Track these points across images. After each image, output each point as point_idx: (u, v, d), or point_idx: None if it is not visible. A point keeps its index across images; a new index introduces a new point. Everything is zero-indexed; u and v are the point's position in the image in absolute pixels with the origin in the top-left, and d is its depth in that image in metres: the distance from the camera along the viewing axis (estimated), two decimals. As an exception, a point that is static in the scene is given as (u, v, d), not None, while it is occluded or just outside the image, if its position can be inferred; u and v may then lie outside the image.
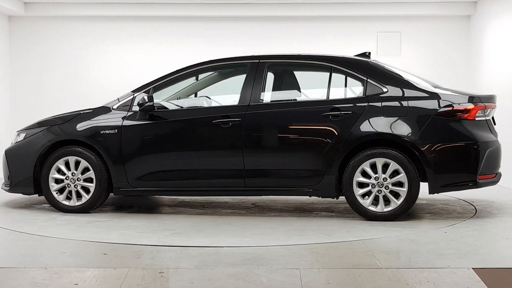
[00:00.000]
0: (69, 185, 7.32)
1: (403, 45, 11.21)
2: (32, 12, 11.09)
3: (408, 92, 6.79)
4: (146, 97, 7.09)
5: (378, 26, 11.23)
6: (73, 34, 11.37)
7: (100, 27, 11.35)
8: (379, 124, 6.71)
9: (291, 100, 7.19)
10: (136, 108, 7.23)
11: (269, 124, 6.97)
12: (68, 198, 7.37)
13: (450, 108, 6.67)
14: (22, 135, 7.67)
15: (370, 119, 6.74)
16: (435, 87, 6.99)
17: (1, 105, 11.02)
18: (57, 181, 7.36)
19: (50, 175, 7.35)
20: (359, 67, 7.03)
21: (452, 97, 6.75)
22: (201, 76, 7.68)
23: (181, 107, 7.49)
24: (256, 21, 11.27)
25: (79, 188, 7.30)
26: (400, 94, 6.80)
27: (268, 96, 7.17)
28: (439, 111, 6.66)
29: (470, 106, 6.68)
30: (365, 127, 6.72)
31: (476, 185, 6.71)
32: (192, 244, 5.76)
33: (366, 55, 7.38)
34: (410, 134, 6.64)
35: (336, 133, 6.76)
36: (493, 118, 7.18)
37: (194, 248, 5.60)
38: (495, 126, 7.18)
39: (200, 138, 7.09)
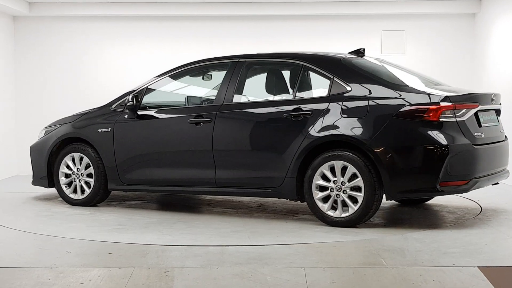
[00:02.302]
0: (75, 180, 7.82)
1: (407, 43, 11.19)
2: (36, 12, 11.10)
3: (374, 91, 6.36)
4: (130, 97, 7.40)
5: (383, 25, 11.21)
6: (77, 34, 11.37)
7: (104, 26, 11.36)
8: (337, 125, 6.35)
9: (260, 100, 7.14)
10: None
11: (236, 124, 6.94)
12: (75, 191, 7.84)
13: (411, 108, 6.15)
14: (43, 132, 8.31)
15: (330, 120, 6.39)
16: (435, 86, 6.77)
17: (6, 103, 11.03)
18: (67, 175, 7.87)
19: (60, 170, 7.89)
20: (328, 65, 6.71)
21: (416, 97, 6.22)
22: (191, 76, 7.78)
23: (168, 106, 7.59)
24: (259, 20, 11.25)
25: (82, 182, 7.77)
26: (363, 93, 6.38)
27: (240, 96, 7.10)
28: (399, 111, 6.17)
29: (433, 106, 6.10)
30: (324, 128, 6.39)
31: (436, 192, 6.15)
32: (197, 243, 5.76)
33: (361, 52, 7.13)
34: (367, 136, 6.21)
35: (296, 134, 6.50)
36: (498, 111, 6.92)
37: (199, 247, 5.61)
38: (497, 124, 6.83)
39: (176, 137, 7.24)
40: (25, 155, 11.24)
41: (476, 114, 6.40)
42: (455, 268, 4.82)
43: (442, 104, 6.12)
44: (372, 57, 7.33)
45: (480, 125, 6.43)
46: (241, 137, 6.88)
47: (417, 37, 11.23)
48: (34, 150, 8.28)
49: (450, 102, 6.17)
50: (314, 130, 6.43)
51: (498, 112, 7.00)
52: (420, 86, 6.59)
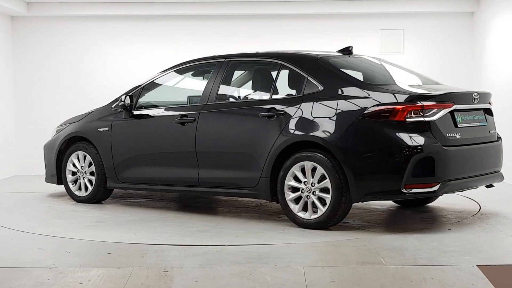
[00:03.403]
0: (79, 177, 8.05)
1: (406, 42, 11.19)
2: (34, 12, 11.09)
3: (345, 91, 6.22)
4: (123, 97, 7.54)
5: (381, 23, 11.21)
6: (75, 34, 11.36)
7: (102, 26, 11.35)
8: (307, 125, 6.26)
9: (240, 99, 7.13)
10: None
11: (216, 124, 6.94)
12: (80, 189, 8.06)
13: (377, 109, 5.98)
14: (55, 131, 8.55)
15: (300, 120, 6.30)
16: (426, 85, 6.64)
17: (5, 103, 11.02)
18: (73, 173, 8.11)
19: (67, 168, 8.13)
20: (304, 64, 6.62)
21: (384, 96, 6.04)
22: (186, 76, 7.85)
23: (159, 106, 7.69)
24: (257, 20, 11.25)
25: (86, 180, 7.97)
26: (334, 93, 6.25)
27: (222, 96, 7.09)
28: (366, 111, 6.01)
29: (398, 106, 5.91)
30: (294, 128, 6.31)
31: (402, 195, 5.91)
32: (196, 243, 5.76)
33: (349, 50, 6.99)
34: (334, 137, 6.08)
35: (270, 135, 6.45)
36: (488, 111, 6.67)
37: (198, 247, 5.61)
38: (484, 124, 6.53)
39: (164, 137, 7.34)
40: (24, 155, 11.30)
41: (452, 114, 6.17)
42: (454, 267, 4.82)
43: (409, 104, 5.93)
44: (367, 56, 7.28)
45: (456, 126, 6.18)
46: (221, 137, 6.89)
47: (416, 36, 11.23)
48: (46, 148, 8.55)
49: (418, 102, 5.96)
50: (285, 131, 6.36)
51: (488, 111, 6.74)
52: (401, 86, 6.40)
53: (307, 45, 10.44)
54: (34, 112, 11.36)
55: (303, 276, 4.65)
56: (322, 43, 10.81)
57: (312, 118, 6.26)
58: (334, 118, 6.15)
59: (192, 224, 6.65)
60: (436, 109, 6.02)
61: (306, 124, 6.27)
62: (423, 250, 5.37)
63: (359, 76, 6.57)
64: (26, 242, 5.90)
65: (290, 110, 6.41)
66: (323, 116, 6.21)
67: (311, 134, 6.21)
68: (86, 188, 7.95)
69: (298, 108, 6.37)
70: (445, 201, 7.57)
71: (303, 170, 6.26)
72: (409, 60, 11.05)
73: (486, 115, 6.69)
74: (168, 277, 4.67)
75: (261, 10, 11.09)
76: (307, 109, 6.32)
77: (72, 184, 8.10)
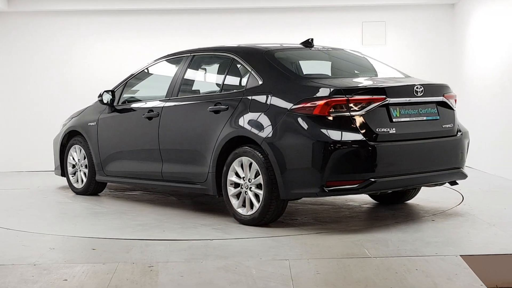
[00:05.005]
0: (77, 170, 8.34)
1: (388, 34, 11.23)
2: (15, 7, 10.99)
3: (280, 85, 6.11)
4: (101, 92, 7.77)
5: (363, 16, 11.23)
6: (57, 29, 11.28)
7: (85, 21, 11.28)
8: (243, 121, 6.17)
9: (195, 94, 7.10)
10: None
11: (174, 119, 6.99)
12: (78, 181, 8.38)
13: (303, 104, 5.80)
14: (62, 125, 8.85)
15: (240, 115, 6.23)
16: (385, 80, 6.44)
17: (-14, 101, 10.96)
18: (73, 166, 8.41)
19: (67, 161, 8.45)
20: (250, 58, 6.53)
21: (310, 90, 5.88)
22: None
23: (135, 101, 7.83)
24: (240, 13, 11.24)
25: (81, 173, 8.27)
26: (270, 87, 6.14)
27: (181, 91, 7.09)
28: (292, 106, 5.86)
29: (321, 101, 5.70)
30: (234, 123, 6.25)
31: (324, 192, 5.68)
32: (181, 237, 5.76)
33: (309, 42, 6.85)
34: (264, 132, 5.95)
35: (215, 130, 6.41)
36: (443, 104, 6.27)
37: (183, 241, 5.61)
38: (435, 118, 6.16)
39: (135, 131, 7.48)
40: (7, 152, 11.21)
41: (387, 108, 5.86)
42: (438, 257, 4.86)
43: (333, 98, 5.70)
44: (331, 48, 7.12)
45: (391, 120, 5.87)
46: (177, 132, 6.94)
47: (398, 28, 11.28)
48: (54, 142, 8.90)
49: (344, 95, 5.71)
50: (227, 126, 6.31)
51: (443, 104, 6.30)
52: (340, 80, 6.23)
53: (289, 38, 10.43)
54: (16, 108, 11.28)
55: (288, 269, 4.67)
56: (304, 35, 10.81)
57: (250, 113, 6.17)
58: (267, 113, 6.02)
59: (147, 216, 6.71)
60: (364, 103, 5.75)
61: (243, 119, 6.20)
62: (407, 241, 5.41)
63: (306, 69, 6.52)
64: (9, 239, 5.86)
65: (232, 104, 6.36)
66: (258, 111, 6.11)
67: (246, 129, 6.13)
68: (82, 181, 8.24)
69: (239, 102, 6.31)
70: (429, 193, 7.61)
71: (242, 166, 6.18)
72: (391, 52, 11.11)
73: (440, 108, 6.28)
74: (154, 272, 4.66)
75: (243, 4, 11.09)
76: (246, 104, 6.24)
77: (72, 176, 8.43)
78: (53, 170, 8.95)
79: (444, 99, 6.32)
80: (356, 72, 6.91)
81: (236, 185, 6.26)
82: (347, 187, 5.72)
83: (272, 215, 6.03)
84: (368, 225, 6.09)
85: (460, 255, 4.87)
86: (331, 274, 4.56)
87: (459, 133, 6.44)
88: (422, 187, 7.02)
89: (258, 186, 6.03)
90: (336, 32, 11.15)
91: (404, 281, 4.39)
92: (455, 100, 6.54)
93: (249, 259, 4.95)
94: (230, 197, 6.29)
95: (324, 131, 5.67)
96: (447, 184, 6.69)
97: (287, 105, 5.91)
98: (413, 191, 7.07)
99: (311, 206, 7.12)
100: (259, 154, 5.97)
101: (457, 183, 6.58)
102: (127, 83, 7.86)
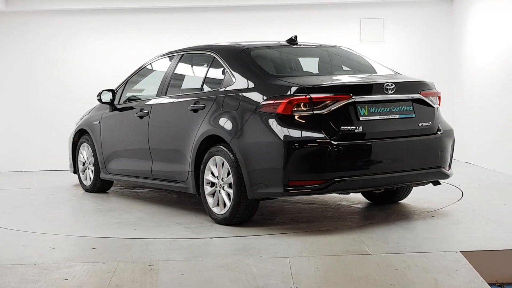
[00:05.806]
0: (87, 168, 8.49)
1: (386, 31, 11.23)
2: (13, 7, 10.98)
3: (250, 84, 6.03)
4: (101, 91, 7.89)
5: (361, 13, 11.23)
6: (56, 28, 11.28)
7: (82, 20, 11.27)
8: (215, 120, 6.15)
9: (179, 93, 7.07)
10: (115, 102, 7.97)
11: (160, 118, 7.04)
12: (86, 178, 8.56)
13: (267, 102, 5.76)
14: (75, 124, 8.92)
15: (214, 113, 6.20)
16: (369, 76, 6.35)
17: (-15, 101, 10.96)
18: (83, 164, 8.56)
19: (78, 159, 8.64)
20: (228, 56, 6.48)
21: (275, 88, 5.82)
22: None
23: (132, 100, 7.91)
24: (239, 11, 11.23)
25: (89, 171, 8.43)
26: (242, 86, 6.08)
27: (171, 89, 7.12)
28: (259, 105, 5.80)
29: (284, 99, 5.62)
30: (209, 122, 6.22)
31: (286, 192, 5.59)
32: (181, 236, 5.76)
33: (293, 39, 6.80)
34: (232, 132, 5.92)
35: (193, 129, 6.40)
36: (420, 101, 6.05)
37: (183, 240, 5.61)
38: (410, 116, 5.97)
39: (130, 130, 7.57)
40: (5, 151, 11.21)
41: (354, 106, 5.72)
42: (438, 254, 4.86)
43: (295, 96, 5.62)
44: (315, 45, 7.03)
45: (358, 119, 5.72)
46: (163, 131, 6.99)
47: (396, 24, 11.28)
48: (68, 140, 9.03)
49: (306, 94, 5.61)
50: (203, 124, 6.28)
51: (421, 102, 6.09)
52: (313, 78, 6.18)
53: (288, 35, 10.44)
54: (14, 107, 11.28)
55: (288, 266, 4.67)
56: (302, 33, 10.81)
57: (222, 112, 6.13)
58: (237, 112, 5.98)
59: (133, 214, 6.78)
60: (328, 101, 5.63)
61: (215, 118, 6.17)
62: (407, 237, 5.41)
63: (283, 68, 6.49)
64: (9, 239, 5.86)
65: (208, 103, 6.33)
66: (229, 110, 6.07)
67: (218, 128, 6.11)
68: (91, 178, 8.40)
69: (214, 101, 6.28)
70: (428, 190, 7.60)
71: (217, 165, 6.15)
72: (389, 48, 11.11)
73: (416, 106, 6.07)
74: (154, 271, 4.66)
75: (242, 2, 11.09)
76: (220, 103, 6.21)
77: (82, 173, 8.61)
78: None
79: (421, 97, 6.10)
80: (346, 69, 6.82)
81: (212, 184, 6.22)
82: (310, 187, 5.60)
83: (242, 214, 5.97)
84: (368, 222, 6.10)
85: (460, 251, 4.87)
86: (332, 271, 4.56)
87: (439, 132, 6.21)
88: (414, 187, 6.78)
89: (230, 185, 5.99)
90: (335, 29, 11.15)
91: (404, 277, 4.39)
92: (439, 98, 6.33)
93: (249, 257, 4.95)
94: (206, 196, 6.26)
95: (286, 130, 5.59)
96: (446, 180, 6.58)
97: (255, 104, 5.85)
98: (404, 191, 6.82)
99: (311, 206, 7.12)
100: (230, 153, 5.93)
101: (439, 183, 6.35)
102: (127, 82, 7.94)
